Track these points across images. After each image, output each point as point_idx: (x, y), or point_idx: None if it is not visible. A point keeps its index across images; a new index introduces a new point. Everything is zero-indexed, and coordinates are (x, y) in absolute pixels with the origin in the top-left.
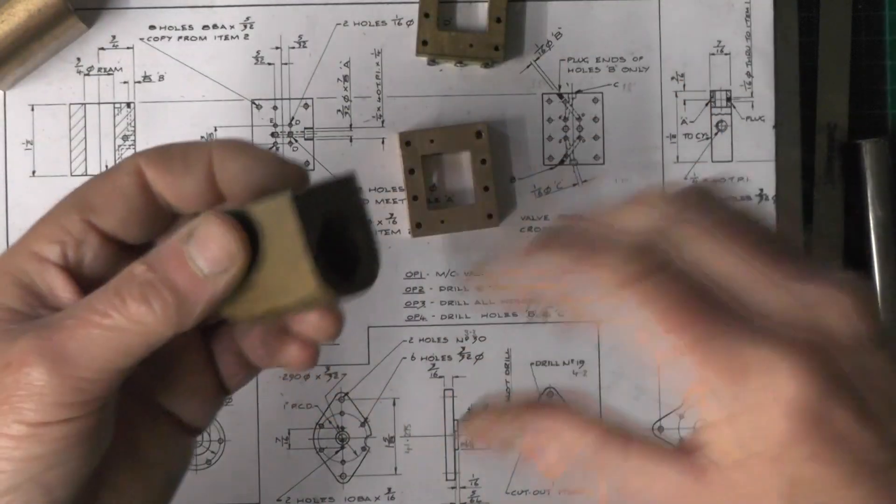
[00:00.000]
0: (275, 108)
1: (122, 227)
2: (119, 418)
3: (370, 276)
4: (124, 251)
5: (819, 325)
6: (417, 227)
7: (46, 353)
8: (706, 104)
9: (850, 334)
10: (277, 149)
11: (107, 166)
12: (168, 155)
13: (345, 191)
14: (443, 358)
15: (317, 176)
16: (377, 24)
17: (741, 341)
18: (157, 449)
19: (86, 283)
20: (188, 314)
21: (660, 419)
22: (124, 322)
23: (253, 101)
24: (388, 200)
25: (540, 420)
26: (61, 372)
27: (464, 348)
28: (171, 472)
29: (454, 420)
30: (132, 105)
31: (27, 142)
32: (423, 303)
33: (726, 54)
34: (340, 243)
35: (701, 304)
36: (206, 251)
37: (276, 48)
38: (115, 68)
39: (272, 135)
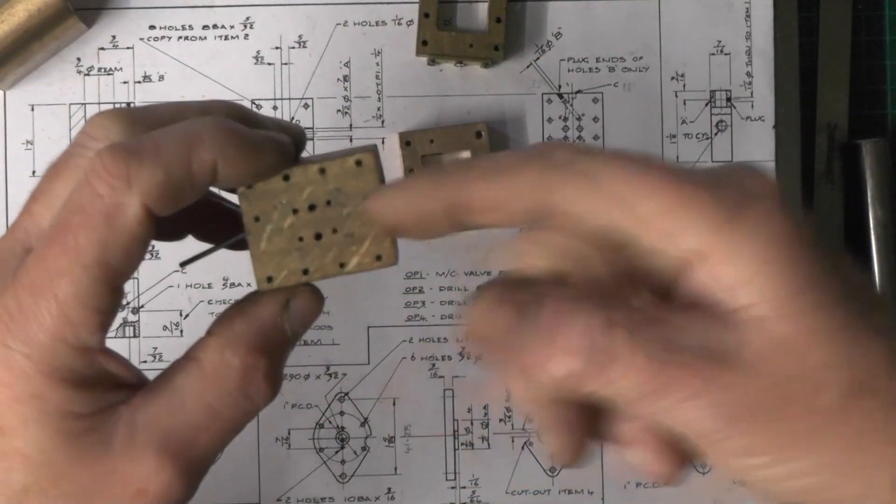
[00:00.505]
0: (275, 108)
1: (139, 264)
2: None
3: None
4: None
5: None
6: None
7: (182, 471)
8: (706, 104)
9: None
10: None
11: None
12: (173, 188)
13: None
14: (443, 358)
15: None
16: (377, 24)
17: (712, 179)
18: None
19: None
20: (282, 376)
21: None
22: (239, 414)
23: (253, 101)
24: None
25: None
26: (191, 479)
27: (464, 348)
28: None
29: (454, 420)
30: (132, 105)
31: (27, 142)
32: (423, 303)
33: (726, 54)
34: None
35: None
36: (303, 322)
37: (276, 48)
38: (115, 68)
39: None
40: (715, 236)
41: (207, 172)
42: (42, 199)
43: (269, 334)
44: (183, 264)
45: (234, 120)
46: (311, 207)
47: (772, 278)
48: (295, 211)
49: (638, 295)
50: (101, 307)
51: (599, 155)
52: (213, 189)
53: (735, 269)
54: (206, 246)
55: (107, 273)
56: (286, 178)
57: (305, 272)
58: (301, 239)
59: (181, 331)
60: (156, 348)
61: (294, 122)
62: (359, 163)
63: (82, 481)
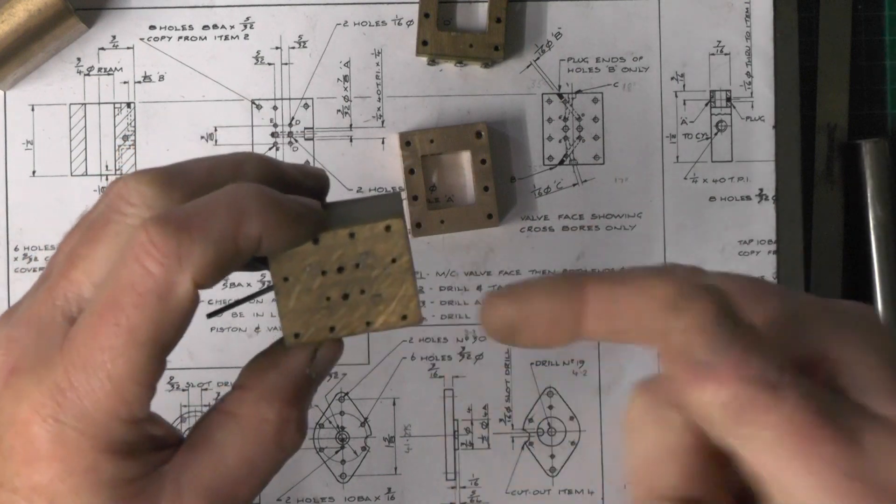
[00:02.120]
0: (275, 108)
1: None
2: None
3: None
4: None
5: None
6: (417, 227)
7: None
8: (706, 104)
9: None
10: (277, 149)
11: (107, 167)
12: (223, 265)
13: (392, 206)
14: (443, 358)
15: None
16: (377, 24)
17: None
18: None
19: None
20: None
21: None
22: (274, 465)
23: (253, 101)
24: None
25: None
26: None
27: (464, 348)
28: None
29: (454, 420)
30: (132, 105)
31: (27, 142)
32: (423, 303)
33: (726, 54)
34: None
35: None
36: (325, 368)
37: (276, 48)
38: (115, 68)
39: (272, 135)
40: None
41: (253, 245)
42: (82, 267)
43: (300, 386)
44: (210, 315)
45: (265, 174)
46: (340, 269)
47: None
48: (324, 272)
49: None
50: (151, 382)
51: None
52: None
53: None
54: (232, 296)
55: (159, 351)
56: (316, 241)
57: (332, 329)
58: (329, 298)
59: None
60: None
61: (314, 164)
62: (388, 228)
63: None
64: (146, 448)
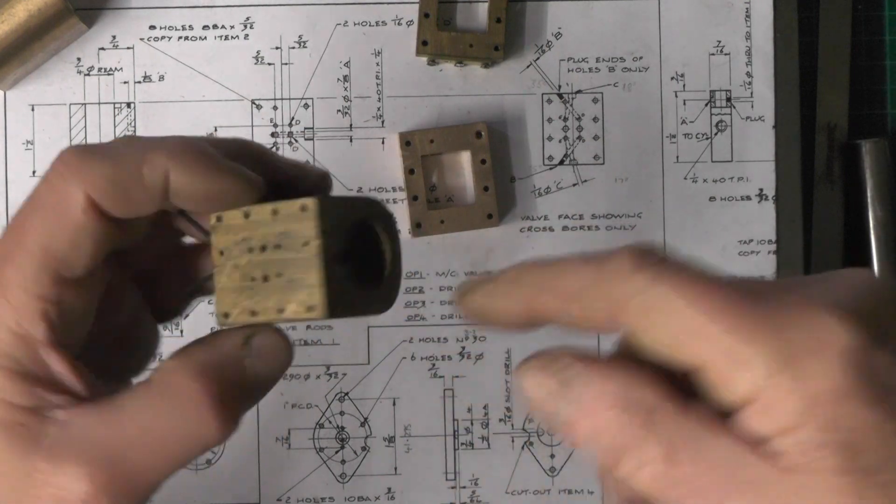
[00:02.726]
0: (275, 108)
1: (92, 265)
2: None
3: (386, 300)
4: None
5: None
6: (417, 227)
7: (106, 487)
8: (706, 104)
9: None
10: (278, 149)
11: None
12: (121, 183)
13: (375, 211)
14: (443, 358)
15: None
16: (377, 24)
17: (774, 300)
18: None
19: (68, 334)
20: (239, 418)
21: None
22: (178, 440)
23: (253, 101)
24: (388, 200)
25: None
26: (116, 499)
27: (464, 348)
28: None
29: (454, 420)
30: (132, 105)
31: (27, 142)
32: (423, 303)
33: (726, 54)
34: (363, 259)
35: (722, 279)
36: (265, 363)
37: (276, 48)
38: (115, 68)
39: (272, 135)
40: (765, 382)
41: (158, 177)
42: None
43: (224, 365)
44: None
45: (251, 157)
46: (263, 248)
47: (808, 436)
48: (250, 250)
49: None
50: (44, 295)
51: (671, 288)
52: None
53: (775, 419)
54: None
55: (50, 261)
56: (246, 214)
57: (253, 313)
58: (253, 279)
59: (181, 330)
60: None
61: (314, 162)
62: (304, 208)
63: (2, 471)
64: (41, 382)
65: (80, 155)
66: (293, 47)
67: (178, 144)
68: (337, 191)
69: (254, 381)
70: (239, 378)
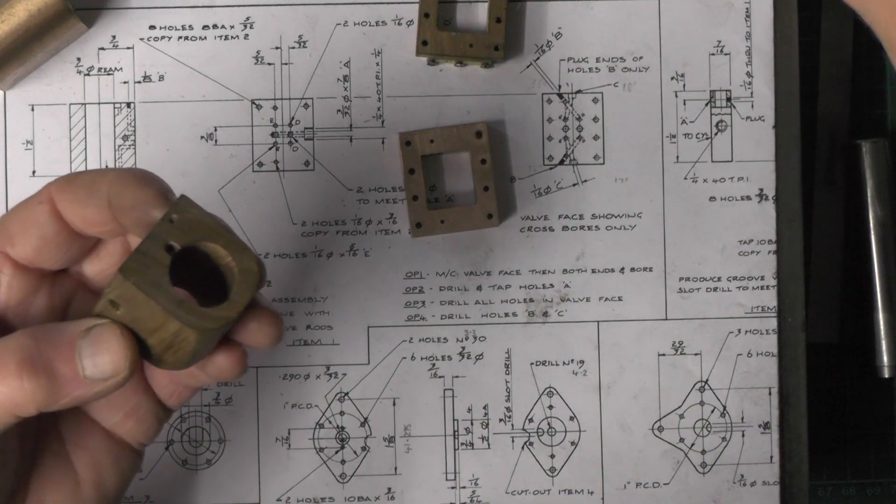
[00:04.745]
0: (275, 108)
1: (36, 254)
2: (47, 434)
3: (253, 279)
4: (43, 277)
5: None
6: (417, 227)
7: None
8: (706, 104)
9: None
10: (277, 148)
11: (107, 167)
12: (75, 183)
13: (187, 210)
14: (443, 358)
15: (317, 177)
16: (377, 24)
17: None
18: (90, 464)
19: (2, 311)
20: (55, 402)
21: (660, 419)
22: None
23: (253, 101)
24: (388, 200)
25: None
26: None
27: (464, 348)
28: (104, 487)
29: (454, 420)
30: (132, 105)
31: (27, 142)
32: (423, 303)
33: (726, 54)
34: (207, 264)
35: None
36: (97, 356)
37: (276, 48)
38: (115, 68)
39: (272, 135)
40: None
41: (104, 188)
42: None
43: (56, 341)
44: None
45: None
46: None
47: None
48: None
49: None
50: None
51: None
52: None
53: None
54: None
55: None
56: (171, 220)
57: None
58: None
59: None
60: None
61: (313, 164)
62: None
63: None
64: None
65: (58, 179)
66: (293, 47)
67: (123, 169)
68: (337, 190)
69: (86, 385)
70: (63, 355)
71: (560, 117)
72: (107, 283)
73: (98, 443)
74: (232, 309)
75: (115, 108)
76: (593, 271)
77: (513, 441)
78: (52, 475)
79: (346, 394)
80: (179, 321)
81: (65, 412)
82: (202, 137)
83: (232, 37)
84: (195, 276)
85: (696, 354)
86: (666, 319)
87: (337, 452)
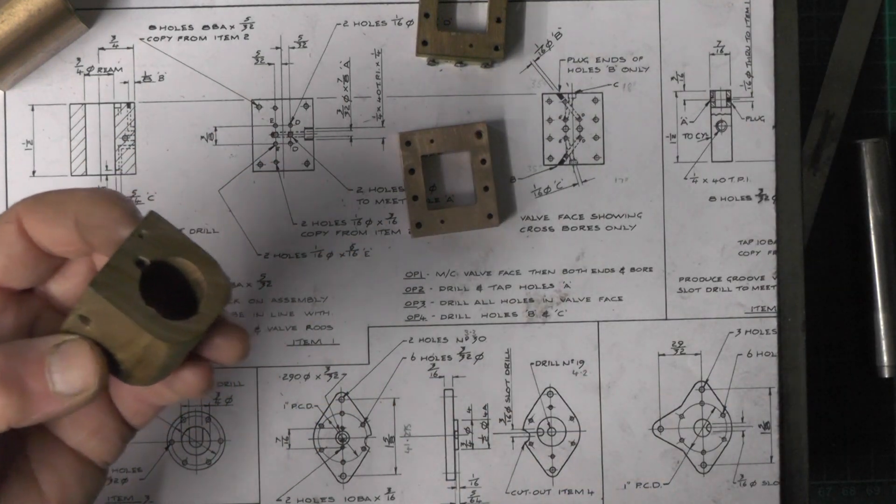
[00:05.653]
0: (275, 108)
1: (3, 273)
2: (12, 452)
3: (222, 292)
4: (10, 296)
5: None
6: (417, 227)
7: None
8: (706, 104)
9: None
10: (277, 148)
11: (107, 167)
12: (43, 203)
13: (156, 226)
14: (443, 358)
15: (317, 177)
16: (377, 24)
17: None
18: (55, 482)
19: None
20: (26, 418)
21: (660, 419)
22: None
23: (253, 101)
24: (388, 200)
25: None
26: None
27: (464, 348)
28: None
29: (454, 420)
30: (132, 105)
31: (27, 142)
32: (423, 303)
33: (726, 54)
34: (175, 277)
35: None
36: (66, 372)
37: (276, 48)
38: (115, 68)
39: (272, 135)
40: None
41: (71, 211)
42: None
43: (25, 356)
44: None
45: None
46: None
47: None
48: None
49: None
50: None
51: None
52: None
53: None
54: None
55: None
56: (141, 235)
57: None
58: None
59: None
60: None
61: (313, 164)
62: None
63: None
64: None
65: (25, 199)
66: (293, 47)
67: (92, 189)
68: (337, 190)
69: (56, 399)
70: (33, 368)
71: (560, 117)
72: (75, 300)
73: (63, 461)
74: (202, 322)
75: (115, 108)
76: (593, 271)
77: (513, 441)
78: (17, 493)
79: (346, 394)
80: (151, 334)
81: (30, 430)
82: (202, 137)
83: (232, 37)
84: (163, 293)
85: (696, 354)
86: (666, 319)
87: (337, 452)
